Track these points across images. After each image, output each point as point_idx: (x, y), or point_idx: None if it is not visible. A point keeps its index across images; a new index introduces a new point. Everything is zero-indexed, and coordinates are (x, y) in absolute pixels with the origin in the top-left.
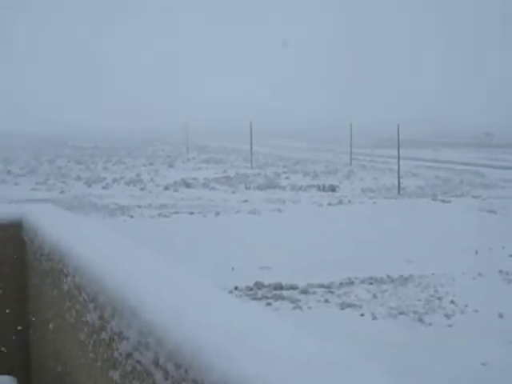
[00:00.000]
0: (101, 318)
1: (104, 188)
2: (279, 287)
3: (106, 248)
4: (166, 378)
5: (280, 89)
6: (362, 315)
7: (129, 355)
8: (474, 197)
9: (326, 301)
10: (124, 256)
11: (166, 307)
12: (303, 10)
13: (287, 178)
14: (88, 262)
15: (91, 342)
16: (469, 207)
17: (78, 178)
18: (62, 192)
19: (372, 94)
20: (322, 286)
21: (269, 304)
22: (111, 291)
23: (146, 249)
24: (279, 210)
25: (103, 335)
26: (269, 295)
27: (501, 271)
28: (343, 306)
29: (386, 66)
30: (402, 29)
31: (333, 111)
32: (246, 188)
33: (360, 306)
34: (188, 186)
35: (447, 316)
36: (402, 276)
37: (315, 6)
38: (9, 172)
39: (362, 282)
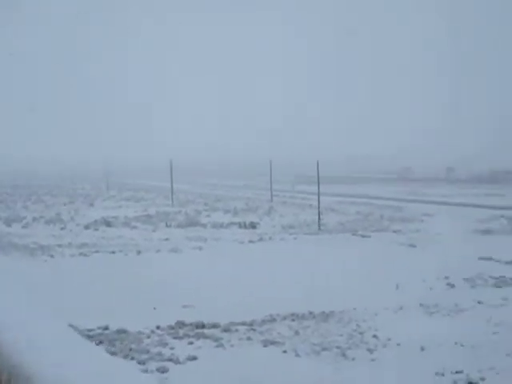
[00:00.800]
0: None
1: (24, 227)
2: (201, 326)
3: None
4: None
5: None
6: (285, 352)
7: None
8: (394, 231)
9: (249, 338)
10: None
11: None
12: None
13: (208, 215)
14: None
15: None
16: (389, 241)
17: None
18: None
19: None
20: (244, 323)
21: (191, 343)
22: None
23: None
24: (200, 248)
25: None
26: (191, 334)
27: (421, 304)
28: (266, 343)
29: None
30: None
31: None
32: (167, 226)
33: (283, 343)
34: (108, 224)
35: (370, 350)
36: (323, 312)
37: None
38: None
39: (284, 318)
